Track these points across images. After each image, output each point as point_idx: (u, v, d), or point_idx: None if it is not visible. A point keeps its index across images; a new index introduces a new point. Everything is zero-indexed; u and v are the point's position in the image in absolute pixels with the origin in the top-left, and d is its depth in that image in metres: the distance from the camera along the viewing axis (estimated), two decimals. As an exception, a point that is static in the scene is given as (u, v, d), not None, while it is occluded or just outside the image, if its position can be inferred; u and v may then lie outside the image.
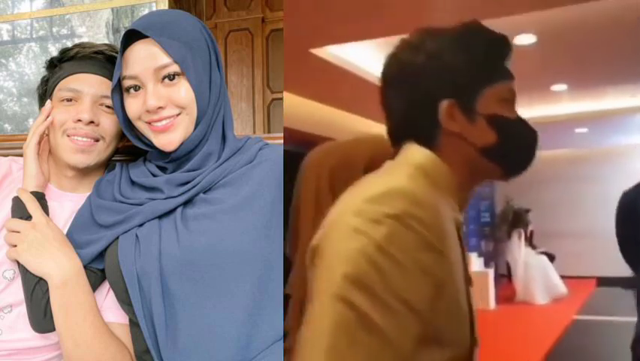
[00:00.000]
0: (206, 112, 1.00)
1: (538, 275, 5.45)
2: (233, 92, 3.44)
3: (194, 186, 0.98)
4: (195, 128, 1.00)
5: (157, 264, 0.93)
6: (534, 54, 3.03)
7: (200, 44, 1.00)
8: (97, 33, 4.42)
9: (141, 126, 1.00)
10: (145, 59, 0.96)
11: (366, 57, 3.12)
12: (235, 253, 0.93)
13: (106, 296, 1.04)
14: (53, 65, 1.14)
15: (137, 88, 0.98)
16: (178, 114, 0.98)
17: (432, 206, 0.63)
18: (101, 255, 1.01)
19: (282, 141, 1.21)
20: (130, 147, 1.11)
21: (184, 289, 0.93)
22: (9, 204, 1.04)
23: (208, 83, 1.01)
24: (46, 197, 1.06)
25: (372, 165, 0.92)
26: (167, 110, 0.97)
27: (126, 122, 1.03)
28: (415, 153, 0.71)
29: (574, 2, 2.33)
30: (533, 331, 4.18)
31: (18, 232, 1.00)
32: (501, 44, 0.74)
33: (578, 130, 5.56)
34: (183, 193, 0.98)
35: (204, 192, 0.99)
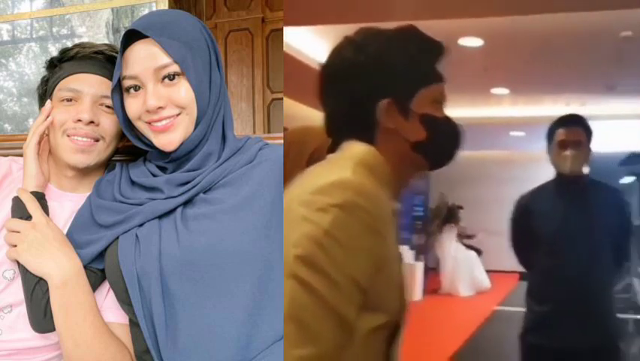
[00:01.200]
0: (206, 112, 1.00)
1: (464, 269, 5.72)
2: (233, 92, 3.44)
3: (194, 186, 0.98)
4: (195, 128, 1.00)
5: (157, 264, 0.93)
6: (479, 57, 3.15)
7: (200, 44, 1.00)
8: (97, 33, 4.42)
9: (141, 126, 1.00)
10: (145, 59, 0.96)
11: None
12: (235, 253, 0.93)
13: (106, 296, 1.04)
14: (53, 65, 1.14)
15: (137, 88, 0.98)
16: (178, 114, 0.98)
17: (373, 195, 0.71)
18: (101, 255, 1.01)
19: (282, 141, 1.21)
20: (130, 147, 1.11)
21: (184, 289, 0.93)
22: (9, 204, 1.04)
23: (208, 83, 1.01)
24: (46, 197, 1.06)
25: (318, 151, 1.03)
26: (167, 110, 0.97)
27: (126, 122, 1.03)
28: (356, 148, 0.78)
29: (520, 13, 2.45)
30: (456, 321, 4.55)
31: (18, 232, 1.00)
32: (435, 49, 0.80)
33: (515, 133, 5.77)
34: (183, 193, 0.98)
35: (204, 192, 0.99)
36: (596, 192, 1.50)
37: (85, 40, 4.26)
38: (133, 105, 0.99)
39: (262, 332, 0.93)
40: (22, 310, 1.02)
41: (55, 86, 1.11)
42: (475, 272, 5.80)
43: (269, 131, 3.46)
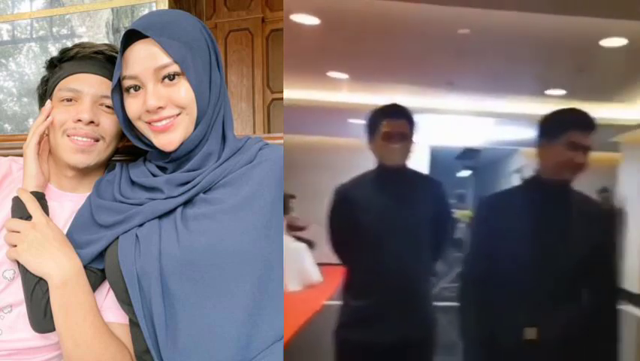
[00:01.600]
0: (206, 112, 1.00)
1: (293, 263, 5.45)
2: (233, 92, 3.44)
3: (194, 186, 0.98)
4: (195, 128, 1.00)
5: (157, 264, 0.93)
6: (317, 37, 3.05)
7: (200, 44, 1.00)
8: (97, 33, 4.42)
9: (141, 126, 1.00)
10: (145, 59, 0.96)
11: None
12: (235, 253, 0.93)
13: (106, 296, 1.04)
14: (53, 65, 1.14)
15: (137, 88, 0.98)
16: (178, 114, 0.98)
17: None
18: (101, 255, 1.01)
19: (282, 141, 1.21)
20: (130, 147, 1.11)
21: (184, 289, 0.93)
22: (9, 204, 1.04)
23: (208, 83, 1.01)
24: (46, 197, 1.06)
25: None
26: (167, 110, 0.97)
27: (126, 122, 1.03)
28: None
29: None
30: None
31: (18, 232, 1.00)
32: None
33: (354, 120, 5.49)
34: (183, 193, 0.98)
35: (204, 192, 0.99)
36: (417, 184, 1.48)
37: (85, 40, 4.26)
38: (133, 105, 0.99)
39: (262, 332, 0.93)
40: (22, 310, 1.02)
41: (55, 86, 1.11)
42: (304, 265, 5.53)
43: (269, 131, 3.46)
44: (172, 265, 0.93)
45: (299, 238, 5.68)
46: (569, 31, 2.56)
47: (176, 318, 0.93)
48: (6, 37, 5.28)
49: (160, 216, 0.98)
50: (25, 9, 4.81)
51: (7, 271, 1.04)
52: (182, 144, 0.99)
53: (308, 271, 5.59)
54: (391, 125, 1.42)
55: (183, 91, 0.97)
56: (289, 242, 5.60)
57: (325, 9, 2.66)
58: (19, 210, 1.02)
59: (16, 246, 0.99)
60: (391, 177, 1.44)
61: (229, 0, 3.53)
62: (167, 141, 0.98)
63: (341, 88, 4.24)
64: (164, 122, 0.98)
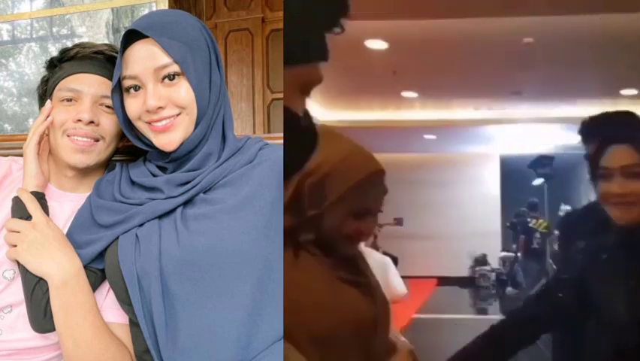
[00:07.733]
0: (206, 112, 1.00)
1: (377, 277, 5.53)
2: (233, 92, 3.44)
3: (194, 186, 0.98)
4: (195, 128, 1.00)
5: (157, 264, 0.93)
6: (386, 60, 3.21)
7: (200, 44, 1.00)
8: (97, 33, 4.42)
9: (141, 126, 1.00)
10: (145, 59, 0.96)
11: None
12: (235, 253, 0.93)
13: (106, 296, 1.04)
14: (53, 65, 1.14)
15: (137, 88, 0.98)
16: (178, 114, 0.98)
17: None
18: (101, 255, 1.01)
19: (282, 141, 1.20)
20: (130, 147, 1.11)
21: (184, 289, 0.93)
22: (9, 204, 1.04)
23: (208, 83, 1.01)
24: (46, 197, 1.06)
25: None
26: (167, 110, 0.97)
27: (126, 122, 1.03)
28: None
29: (426, 17, 2.50)
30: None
31: (18, 232, 1.00)
32: None
33: (426, 136, 5.78)
34: (183, 193, 0.98)
35: (204, 192, 0.99)
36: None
37: (85, 40, 4.26)
38: (133, 105, 0.99)
39: (262, 332, 0.93)
40: (22, 310, 1.02)
41: (55, 86, 1.11)
42: (389, 279, 5.58)
43: (269, 132, 3.46)
44: (172, 265, 0.93)
45: (385, 252, 5.78)
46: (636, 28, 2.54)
47: (176, 318, 0.93)
48: (6, 37, 5.28)
49: (160, 216, 0.98)
50: (25, 9, 4.81)
51: (7, 271, 1.04)
52: (182, 144, 0.99)
53: (393, 284, 5.60)
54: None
55: (183, 91, 0.97)
56: (371, 258, 5.69)
57: (392, 34, 2.71)
58: (19, 210, 1.02)
59: (16, 246, 0.99)
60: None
61: (229, 0, 3.53)
62: (167, 140, 0.98)
63: (413, 106, 4.35)
64: (164, 122, 0.98)
